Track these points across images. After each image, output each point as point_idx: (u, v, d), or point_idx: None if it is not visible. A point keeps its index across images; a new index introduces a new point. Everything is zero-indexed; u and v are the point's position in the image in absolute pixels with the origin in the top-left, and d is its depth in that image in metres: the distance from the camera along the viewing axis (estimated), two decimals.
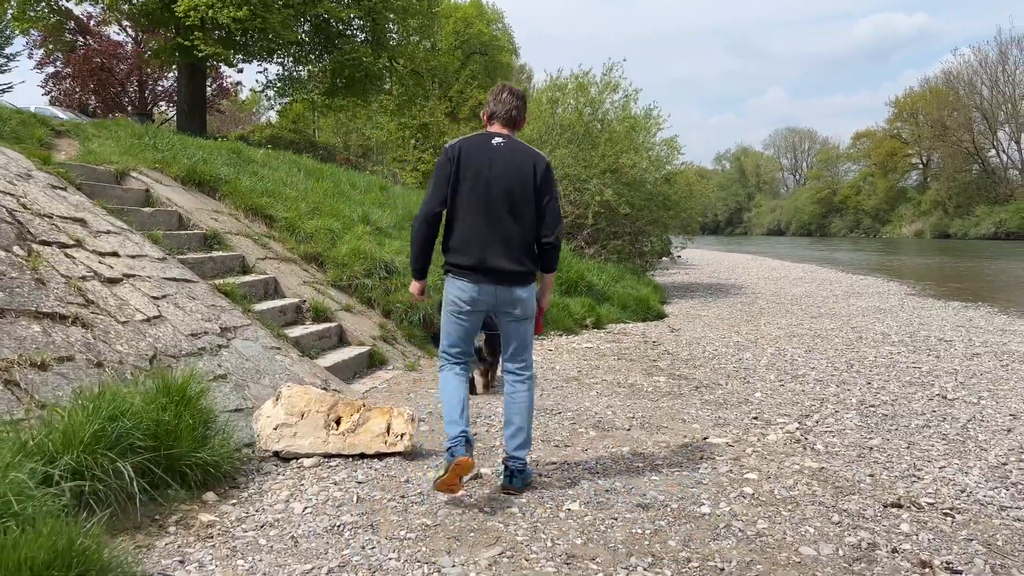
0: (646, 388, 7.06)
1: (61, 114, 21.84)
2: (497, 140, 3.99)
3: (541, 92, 17.62)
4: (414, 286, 4.20)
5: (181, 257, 6.83)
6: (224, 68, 30.77)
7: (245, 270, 7.69)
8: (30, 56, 33.23)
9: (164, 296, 5.71)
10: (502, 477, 4.13)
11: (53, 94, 34.21)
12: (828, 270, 28.41)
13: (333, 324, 7.49)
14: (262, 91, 24.43)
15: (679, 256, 19.26)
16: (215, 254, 7.48)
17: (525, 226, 3.98)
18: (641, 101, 24.28)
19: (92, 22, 32.28)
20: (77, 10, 27.57)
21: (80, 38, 31.93)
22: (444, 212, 3.99)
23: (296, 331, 6.96)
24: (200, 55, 19.62)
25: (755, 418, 6.03)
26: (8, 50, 35.30)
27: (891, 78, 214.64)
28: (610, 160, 16.08)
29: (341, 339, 7.53)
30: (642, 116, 17.71)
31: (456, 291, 3.98)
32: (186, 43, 19.67)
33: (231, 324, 6.02)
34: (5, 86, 35.49)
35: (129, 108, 33.01)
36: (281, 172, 11.19)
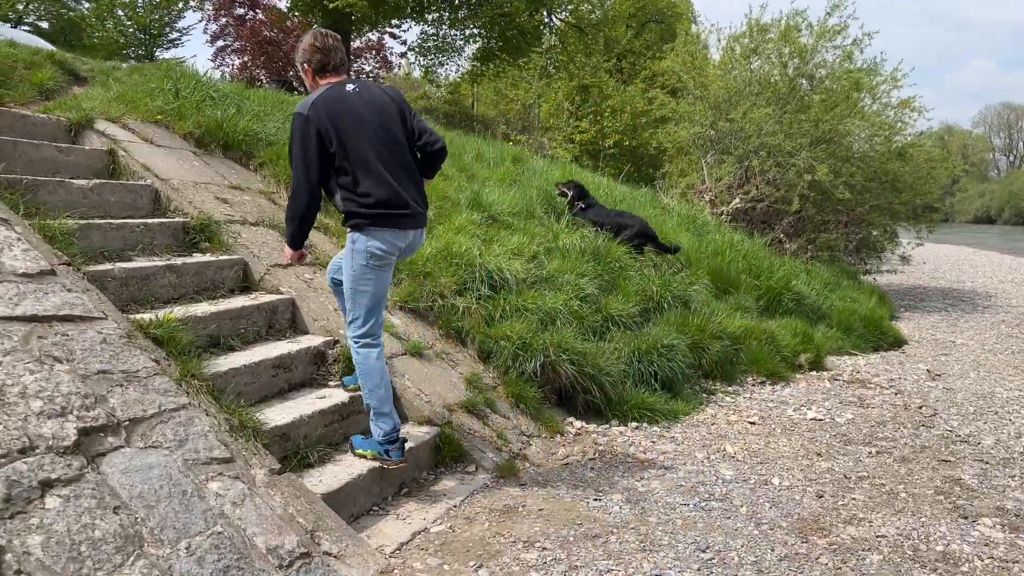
0: (979, 573, 3.39)
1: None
2: (351, 87, 3.68)
3: (734, 39, 13.61)
4: (291, 253, 3.81)
5: (96, 269, 3.81)
6: (388, 41, 28.75)
7: (245, 286, 4.61)
8: (205, 31, 32.63)
9: None
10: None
11: (224, 68, 33.49)
12: None
13: None
14: (403, 55, 21.81)
15: (909, 254, 14.73)
16: (191, 259, 4.41)
17: (414, 158, 3.80)
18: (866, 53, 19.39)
19: None
20: None
21: (250, 11, 30.93)
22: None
23: (295, 408, 3.79)
24: (332, 5, 17.10)
25: None
26: (180, 23, 35.13)
27: None
28: (826, 127, 12.01)
29: None
30: (866, 71, 13.42)
31: (378, 243, 3.59)
32: None
33: (127, 415, 2.94)
34: (178, 60, 35.13)
35: (295, 83, 31.70)
36: None
